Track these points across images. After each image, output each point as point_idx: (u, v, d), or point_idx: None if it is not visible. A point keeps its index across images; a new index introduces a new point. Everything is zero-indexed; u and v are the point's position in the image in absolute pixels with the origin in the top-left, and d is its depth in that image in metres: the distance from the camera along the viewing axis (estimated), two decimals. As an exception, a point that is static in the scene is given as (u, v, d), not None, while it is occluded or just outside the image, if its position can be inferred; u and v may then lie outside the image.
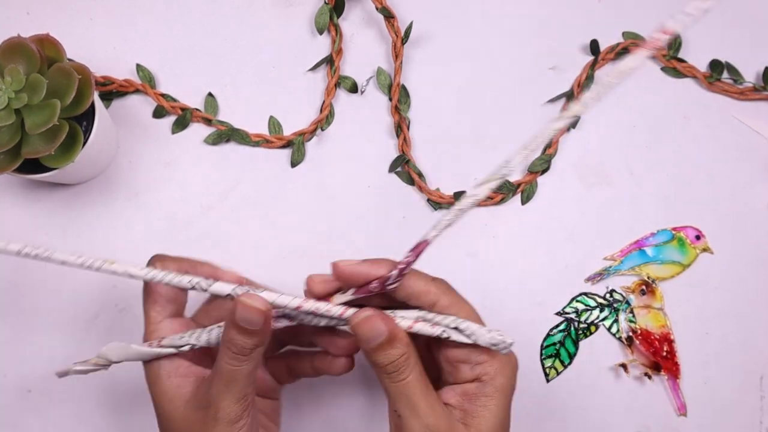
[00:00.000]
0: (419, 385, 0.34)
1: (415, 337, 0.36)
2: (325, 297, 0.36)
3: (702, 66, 0.54)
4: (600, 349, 0.49)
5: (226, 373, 0.34)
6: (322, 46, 0.53)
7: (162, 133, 0.51)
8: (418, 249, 0.35)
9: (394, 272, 0.34)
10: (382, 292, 0.35)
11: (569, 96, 0.52)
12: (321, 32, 0.52)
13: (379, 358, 0.34)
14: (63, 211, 0.49)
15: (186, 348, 0.36)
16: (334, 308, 0.35)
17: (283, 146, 0.51)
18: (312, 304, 0.35)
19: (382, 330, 0.34)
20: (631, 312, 0.50)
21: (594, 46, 0.53)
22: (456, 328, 0.35)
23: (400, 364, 0.34)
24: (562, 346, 0.49)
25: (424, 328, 0.35)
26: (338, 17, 0.52)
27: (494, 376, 0.35)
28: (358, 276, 0.36)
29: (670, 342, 0.49)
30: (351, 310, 0.35)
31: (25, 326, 0.47)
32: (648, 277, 0.50)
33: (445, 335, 0.35)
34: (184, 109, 0.51)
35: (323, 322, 0.36)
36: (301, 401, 0.48)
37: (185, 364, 0.37)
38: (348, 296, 0.36)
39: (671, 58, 0.53)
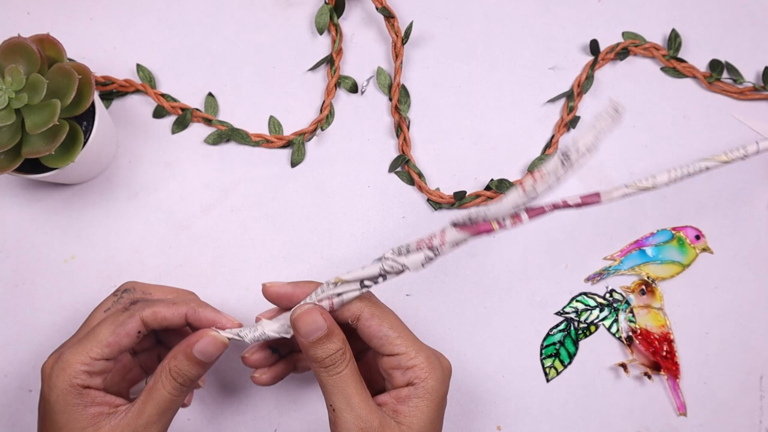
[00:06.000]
0: (353, 379, 0.36)
1: (359, 355, 0.40)
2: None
3: (702, 66, 0.54)
4: (600, 349, 0.49)
5: (164, 402, 0.36)
6: (322, 46, 0.53)
7: (162, 133, 0.51)
8: (533, 212, 0.36)
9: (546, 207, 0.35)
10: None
11: (569, 96, 0.52)
12: (321, 32, 0.52)
13: (318, 352, 0.36)
14: (63, 211, 0.49)
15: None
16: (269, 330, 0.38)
17: (283, 146, 0.51)
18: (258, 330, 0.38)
19: (322, 324, 0.36)
20: (631, 312, 0.50)
21: (594, 46, 0.53)
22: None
23: (337, 358, 0.36)
24: (562, 345, 0.49)
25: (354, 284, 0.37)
26: (338, 17, 0.52)
27: (425, 379, 0.36)
28: (283, 297, 0.39)
29: (670, 342, 0.49)
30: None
31: (25, 326, 0.47)
32: (648, 277, 0.50)
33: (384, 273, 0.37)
34: (184, 109, 0.51)
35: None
36: (296, 397, 0.48)
37: (101, 394, 0.36)
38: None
39: (671, 58, 0.53)
